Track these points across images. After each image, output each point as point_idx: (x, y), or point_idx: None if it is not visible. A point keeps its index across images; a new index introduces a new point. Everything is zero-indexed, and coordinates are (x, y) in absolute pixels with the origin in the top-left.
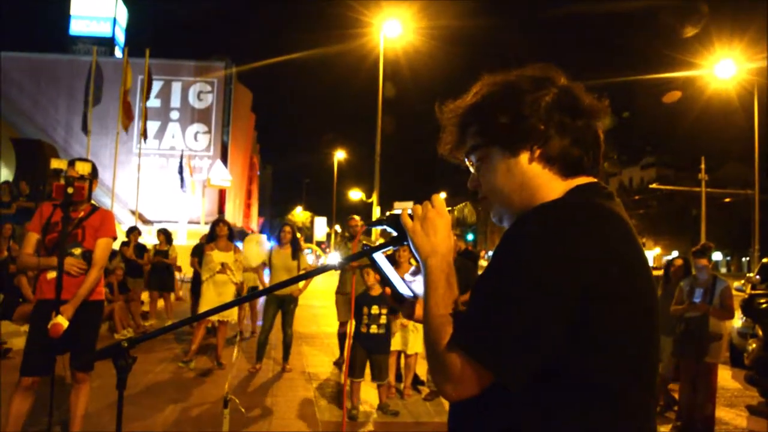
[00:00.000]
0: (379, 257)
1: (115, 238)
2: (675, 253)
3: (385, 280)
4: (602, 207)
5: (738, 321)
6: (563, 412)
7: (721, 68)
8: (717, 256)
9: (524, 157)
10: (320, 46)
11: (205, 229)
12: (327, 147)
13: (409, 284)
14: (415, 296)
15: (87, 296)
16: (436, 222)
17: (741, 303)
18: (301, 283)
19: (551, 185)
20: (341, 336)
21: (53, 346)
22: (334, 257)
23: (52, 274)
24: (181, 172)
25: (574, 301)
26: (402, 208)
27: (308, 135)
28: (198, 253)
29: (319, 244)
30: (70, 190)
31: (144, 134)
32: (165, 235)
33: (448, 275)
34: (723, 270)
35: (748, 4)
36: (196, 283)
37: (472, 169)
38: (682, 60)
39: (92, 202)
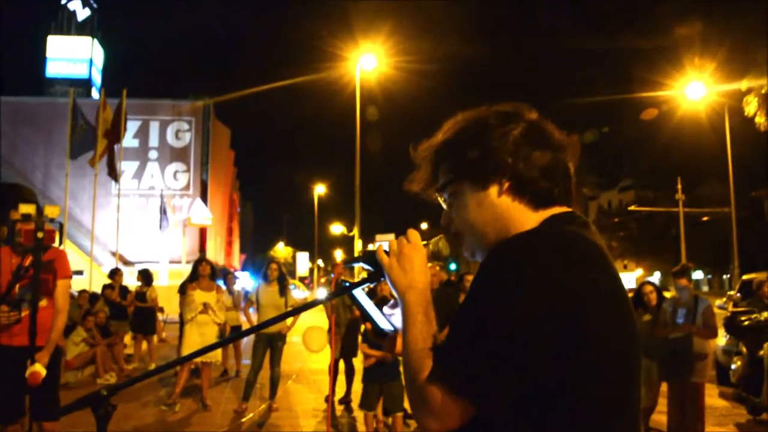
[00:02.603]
0: (359, 293)
1: (70, 278)
2: (657, 275)
3: (365, 316)
4: (577, 235)
5: (722, 339)
6: None
7: (692, 89)
8: (698, 274)
9: (494, 190)
10: (298, 80)
11: (187, 269)
12: (307, 181)
13: (389, 317)
14: (396, 330)
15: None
16: (412, 256)
17: (724, 321)
18: (289, 320)
19: (523, 217)
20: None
21: (23, 389)
22: (321, 293)
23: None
24: (164, 212)
25: (552, 331)
26: (384, 240)
27: (288, 170)
28: (184, 292)
29: (302, 279)
30: (40, 235)
31: (115, 175)
32: (144, 276)
33: (426, 309)
34: (705, 288)
35: (719, 26)
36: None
37: (444, 206)
38: (655, 81)
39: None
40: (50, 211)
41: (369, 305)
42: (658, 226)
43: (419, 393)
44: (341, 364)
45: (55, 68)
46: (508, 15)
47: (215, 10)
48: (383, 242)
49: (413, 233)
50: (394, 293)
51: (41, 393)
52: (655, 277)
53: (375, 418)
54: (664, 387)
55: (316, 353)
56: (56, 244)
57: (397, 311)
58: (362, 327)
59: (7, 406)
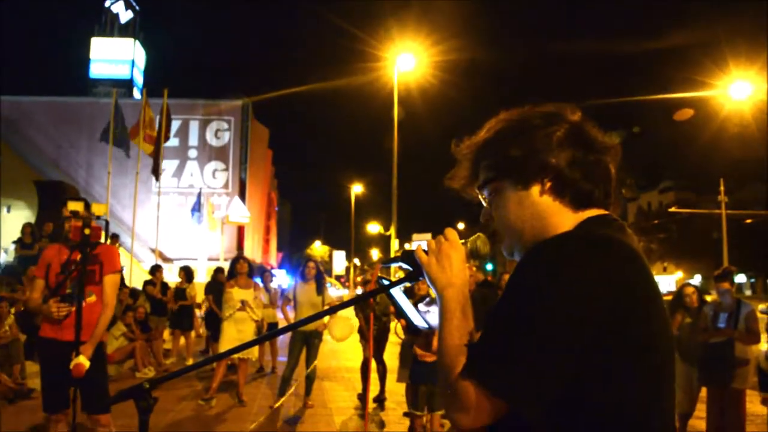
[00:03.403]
0: (395, 291)
1: (120, 272)
2: (698, 278)
3: (400, 313)
4: (612, 239)
5: (765, 345)
6: None
7: (736, 89)
8: (740, 278)
9: (535, 189)
10: (335, 81)
11: (222, 266)
12: (344, 181)
13: (424, 315)
14: (430, 327)
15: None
16: (451, 254)
17: (767, 326)
18: (326, 319)
19: (562, 217)
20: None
21: (68, 381)
22: (358, 292)
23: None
24: (198, 209)
25: (586, 333)
26: (421, 240)
27: (325, 169)
28: (213, 290)
29: (338, 278)
30: (87, 231)
31: (156, 174)
32: (186, 273)
33: (463, 306)
34: (747, 292)
35: (763, 25)
36: (211, 320)
37: (484, 203)
38: (697, 80)
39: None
40: (97, 209)
41: (405, 303)
42: (699, 229)
43: (453, 388)
44: (372, 363)
45: (98, 69)
46: (549, 16)
47: (253, 11)
48: (421, 242)
49: (451, 231)
50: (432, 291)
51: (91, 386)
52: (696, 280)
53: (422, 419)
54: (703, 392)
55: (340, 342)
56: (101, 240)
57: (432, 309)
58: (392, 325)
59: (53, 396)
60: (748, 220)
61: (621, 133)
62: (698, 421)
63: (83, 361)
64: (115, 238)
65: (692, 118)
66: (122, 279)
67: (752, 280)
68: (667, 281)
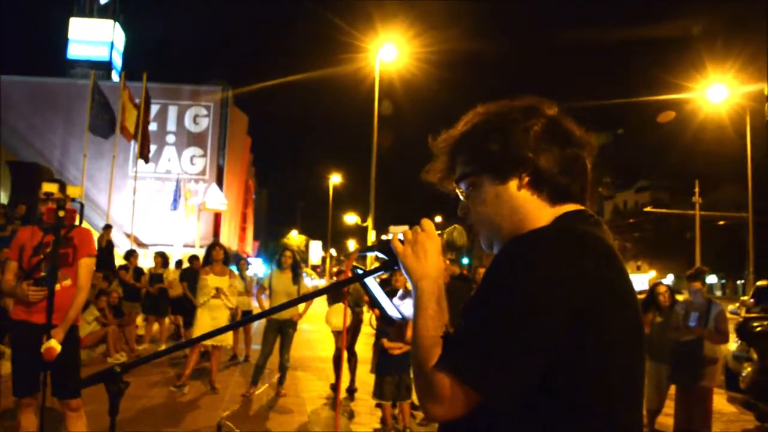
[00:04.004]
0: (370, 281)
1: (95, 256)
2: (671, 277)
3: (374, 302)
4: (588, 234)
5: (733, 344)
6: None
7: (714, 92)
8: (712, 279)
9: (513, 184)
10: (316, 70)
11: (198, 253)
12: (322, 171)
13: (398, 307)
14: (404, 318)
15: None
16: (427, 245)
17: (736, 326)
18: (301, 308)
19: (539, 212)
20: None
21: (39, 364)
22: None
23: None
24: (177, 194)
25: (560, 326)
26: (397, 231)
27: (304, 158)
28: (187, 277)
29: (314, 268)
30: (61, 214)
31: (145, 157)
32: (162, 258)
33: (438, 297)
34: (718, 293)
35: (740, 29)
36: (182, 307)
37: (461, 197)
38: (676, 84)
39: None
40: (72, 191)
41: (379, 293)
42: (674, 229)
43: (427, 380)
44: (345, 354)
45: (76, 50)
46: (530, 11)
47: None
48: (398, 233)
49: (427, 222)
50: (408, 282)
51: (62, 370)
52: (668, 280)
53: (392, 409)
54: (672, 390)
55: (335, 329)
56: (76, 223)
57: (407, 301)
58: (367, 317)
59: (23, 380)
60: (721, 222)
61: (608, 135)
62: (666, 418)
63: (55, 344)
64: (108, 228)
65: (671, 120)
66: (113, 262)
67: (723, 281)
68: (640, 280)
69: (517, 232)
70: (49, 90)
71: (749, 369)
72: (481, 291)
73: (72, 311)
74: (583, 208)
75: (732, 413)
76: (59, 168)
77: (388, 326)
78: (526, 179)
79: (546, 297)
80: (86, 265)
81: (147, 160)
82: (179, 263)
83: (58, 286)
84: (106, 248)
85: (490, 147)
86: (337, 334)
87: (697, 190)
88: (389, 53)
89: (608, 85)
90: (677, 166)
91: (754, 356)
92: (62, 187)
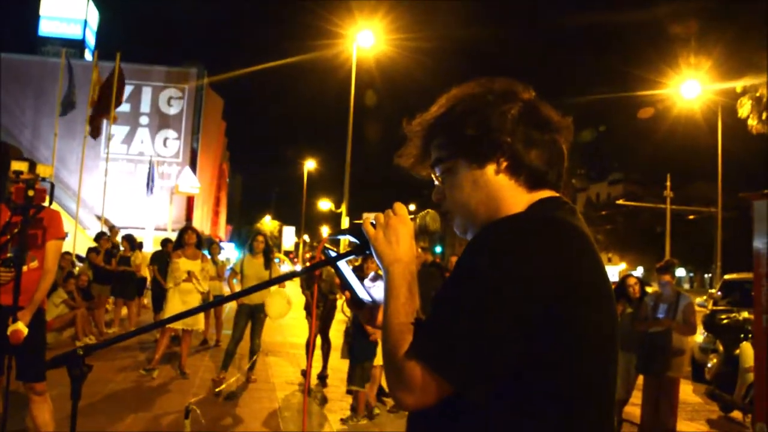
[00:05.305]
0: (341, 263)
1: (63, 239)
2: (641, 270)
3: (345, 285)
4: (564, 222)
5: (700, 336)
6: (519, 425)
7: (687, 88)
8: (681, 272)
9: (491, 169)
10: (293, 55)
11: (171, 237)
12: (297, 156)
13: (368, 290)
14: (374, 301)
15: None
16: (399, 229)
17: (703, 318)
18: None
19: (516, 198)
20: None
21: (4, 347)
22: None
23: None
24: (151, 178)
25: (533, 315)
26: (370, 217)
27: (279, 144)
28: (158, 260)
29: (287, 253)
30: (31, 193)
31: (96, 129)
32: (129, 242)
33: (410, 283)
34: (686, 286)
35: (715, 26)
36: (156, 291)
37: (436, 182)
38: (651, 80)
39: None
40: (42, 170)
41: (350, 275)
42: (645, 222)
43: (397, 367)
44: (318, 340)
45: (48, 27)
46: (511, 3)
47: None
48: (370, 218)
49: (400, 206)
50: (380, 266)
51: (27, 354)
52: (639, 272)
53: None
54: (639, 380)
55: (277, 320)
56: (45, 204)
57: (378, 284)
58: (339, 303)
59: None
60: (691, 216)
61: (592, 132)
62: (634, 408)
63: (21, 327)
64: (113, 230)
65: (647, 116)
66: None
67: (691, 274)
68: (611, 272)
69: (492, 218)
70: (19, 67)
71: (715, 360)
72: (453, 278)
73: (38, 294)
74: (558, 195)
75: (697, 403)
76: (29, 148)
77: (358, 309)
78: (504, 164)
79: (518, 285)
80: (54, 247)
81: (95, 136)
82: (141, 245)
83: (25, 268)
84: (112, 255)
85: (467, 130)
86: (310, 320)
87: (668, 184)
88: (367, 39)
89: (589, 81)
90: (651, 160)
91: (720, 348)
92: (32, 167)
